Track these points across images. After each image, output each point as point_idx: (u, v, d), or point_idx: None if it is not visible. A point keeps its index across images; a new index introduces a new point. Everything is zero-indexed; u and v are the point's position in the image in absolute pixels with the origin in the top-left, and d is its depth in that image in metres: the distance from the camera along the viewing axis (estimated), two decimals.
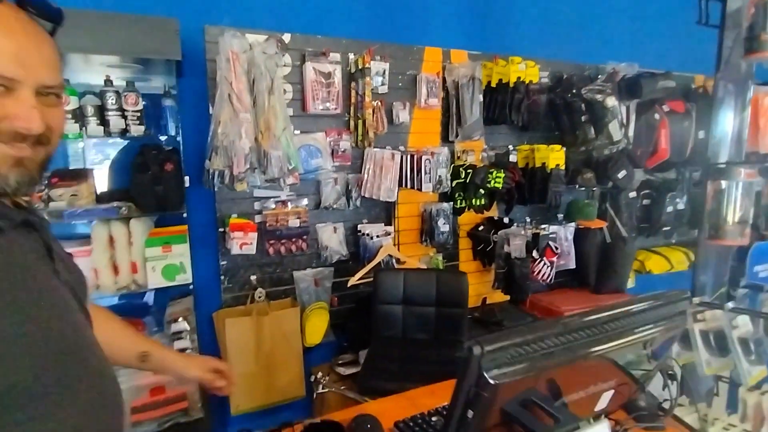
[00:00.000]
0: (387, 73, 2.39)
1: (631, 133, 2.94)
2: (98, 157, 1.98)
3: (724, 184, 1.00)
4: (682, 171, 3.38)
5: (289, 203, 2.27)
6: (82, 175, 1.81)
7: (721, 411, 1.14)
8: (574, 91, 2.70)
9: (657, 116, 3.03)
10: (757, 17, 0.92)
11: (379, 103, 2.35)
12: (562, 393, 0.70)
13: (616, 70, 2.80)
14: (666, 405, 1.08)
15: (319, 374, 2.22)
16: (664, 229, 3.19)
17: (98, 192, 1.80)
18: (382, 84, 2.38)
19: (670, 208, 3.16)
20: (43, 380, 0.55)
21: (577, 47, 3.04)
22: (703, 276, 1.13)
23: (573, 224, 2.82)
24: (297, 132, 2.18)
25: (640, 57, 2.96)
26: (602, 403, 0.79)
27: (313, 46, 2.23)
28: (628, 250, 2.98)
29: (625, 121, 2.80)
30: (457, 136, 2.53)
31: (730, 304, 1.01)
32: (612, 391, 0.79)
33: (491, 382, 0.59)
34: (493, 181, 2.40)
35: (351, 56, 2.31)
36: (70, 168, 1.86)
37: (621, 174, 2.84)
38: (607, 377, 0.76)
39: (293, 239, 2.29)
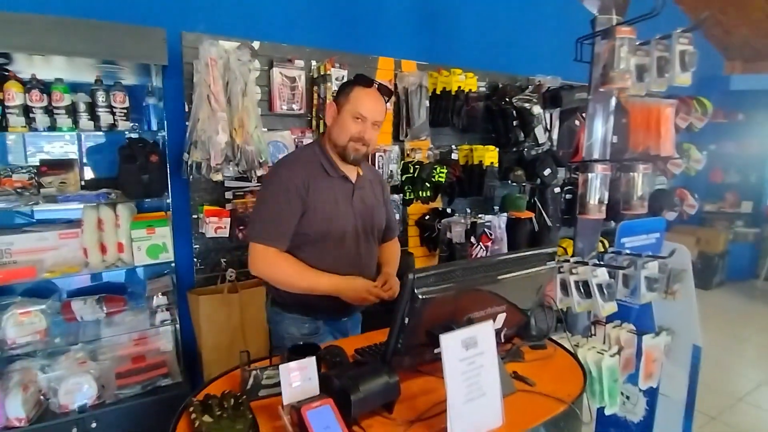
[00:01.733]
0: (345, 78, 2.70)
1: (555, 136, 3.41)
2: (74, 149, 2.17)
3: (589, 175, 1.40)
4: (625, 164, 3.91)
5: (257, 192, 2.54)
6: (68, 164, 2.01)
7: (594, 342, 1.56)
8: (507, 99, 3.13)
9: (577, 122, 3.52)
10: (609, 59, 1.32)
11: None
12: (470, 310, 1.06)
13: (541, 83, 3.27)
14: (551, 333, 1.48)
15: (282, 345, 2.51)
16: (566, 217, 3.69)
17: (84, 180, 2.01)
18: None
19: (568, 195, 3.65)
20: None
21: (511, 61, 3.49)
22: (580, 243, 1.54)
23: (505, 215, 3.26)
24: (265, 129, 2.46)
25: (562, 71, 3.44)
26: (498, 322, 1.16)
27: (280, 53, 2.50)
28: (552, 238, 3.46)
29: (549, 126, 3.26)
30: (406, 135, 2.88)
31: (592, 261, 1.41)
32: (504, 315, 1.16)
33: (420, 296, 0.94)
34: (437, 176, 2.78)
35: (314, 63, 2.60)
36: (58, 158, 2.04)
37: (546, 171, 3.31)
38: (500, 304, 1.13)
39: None
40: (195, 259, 2.46)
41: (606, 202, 1.47)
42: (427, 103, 2.87)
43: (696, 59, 1.37)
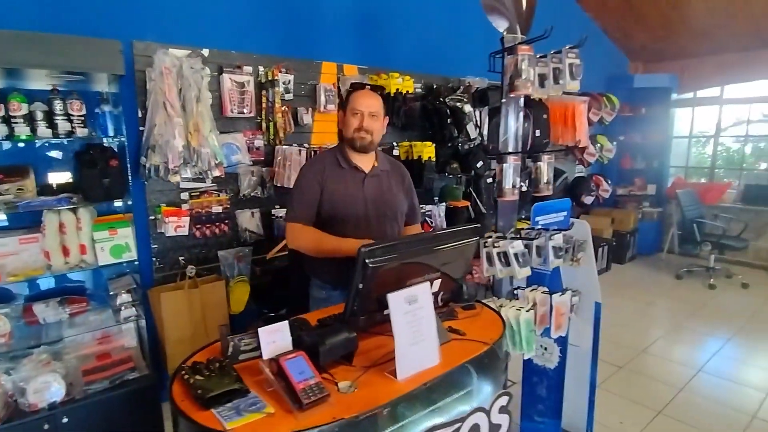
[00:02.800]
0: (292, 83, 2.89)
1: (485, 132, 3.78)
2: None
3: (504, 165, 1.72)
4: (534, 155, 4.35)
5: (213, 193, 2.68)
6: (24, 171, 2.06)
7: (515, 302, 1.88)
8: (441, 99, 3.45)
9: None
10: (514, 71, 1.63)
11: (287, 108, 2.85)
12: (411, 277, 1.32)
13: (471, 83, 3.62)
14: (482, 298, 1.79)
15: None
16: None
17: (40, 185, 2.07)
18: (288, 92, 2.88)
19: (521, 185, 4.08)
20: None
21: (443, 64, 3.82)
22: (501, 221, 1.86)
23: (444, 204, 3.59)
24: (218, 132, 2.61)
25: (489, 73, 3.81)
26: (435, 286, 1.44)
27: (229, 60, 2.65)
28: (487, 223, 3.84)
29: (479, 123, 3.62)
30: None
31: (510, 234, 1.73)
32: (439, 281, 1.43)
33: (370, 265, 1.18)
34: None
35: (261, 69, 2.77)
36: (13, 165, 2.08)
37: (479, 164, 3.67)
38: (435, 271, 1.40)
39: (217, 224, 2.71)
40: (154, 258, 2.56)
41: (518, 187, 1.79)
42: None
43: (582, 70, 1.71)
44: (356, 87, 1.82)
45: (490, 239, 1.73)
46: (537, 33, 1.86)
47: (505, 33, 1.65)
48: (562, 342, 2.06)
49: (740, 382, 2.92)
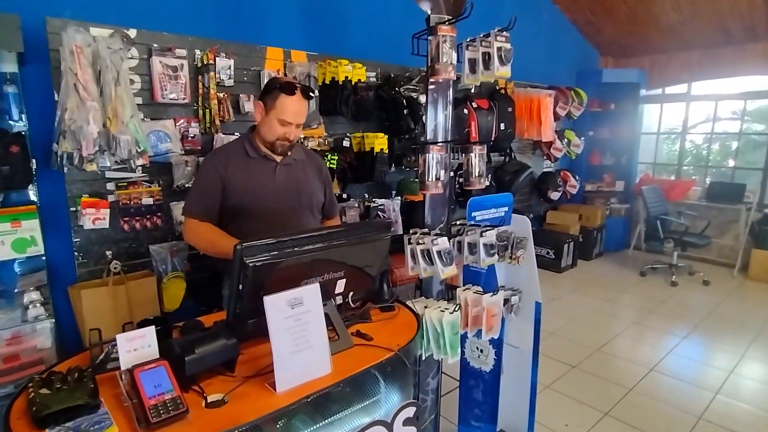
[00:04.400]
0: (233, 68, 2.72)
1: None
2: None
3: (426, 156, 1.60)
4: (464, 146, 4.27)
5: (142, 184, 2.51)
6: None
7: (442, 303, 1.77)
8: (397, 88, 3.32)
9: (465, 111, 3.83)
10: (435, 53, 1.51)
11: (225, 95, 2.68)
12: (305, 276, 1.19)
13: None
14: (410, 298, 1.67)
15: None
16: (459, 199, 4.01)
17: None
18: (229, 78, 2.72)
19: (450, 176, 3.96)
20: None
21: (402, 52, 3.66)
22: (428, 216, 1.75)
23: (400, 198, 3.47)
24: (147, 119, 2.44)
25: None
26: (339, 288, 1.31)
27: (159, 42, 2.47)
28: (448, 218, 3.74)
29: None
30: None
31: (435, 231, 1.62)
32: (344, 280, 1.31)
33: (249, 264, 1.05)
34: (328, 163, 2.90)
35: (197, 52, 2.60)
36: None
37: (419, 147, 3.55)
38: (337, 270, 1.28)
39: (148, 216, 2.54)
40: (76, 253, 2.39)
41: (442, 179, 1.68)
42: (317, 92, 2.98)
43: (512, 55, 1.60)
44: (286, 89, 1.62)
45: (414, 236, 1.62)
46: (482, 21, 1.75)
47: (430, 13, 1.53)
48: (498, 344, 1.97)
49: (691, 382, 2.88)
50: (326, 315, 1.18)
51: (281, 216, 1.68)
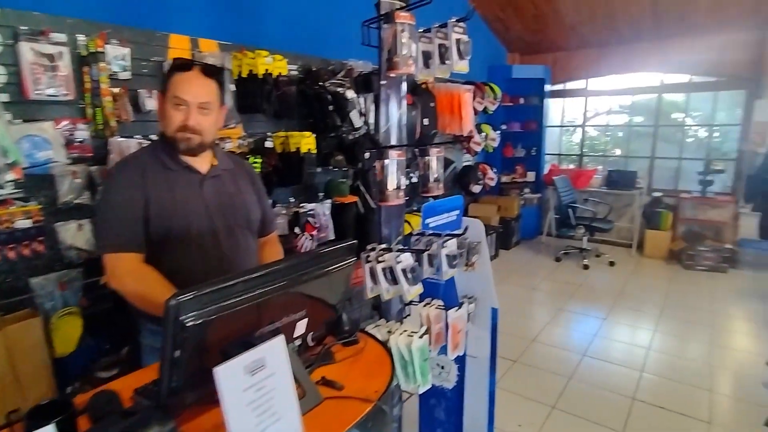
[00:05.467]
0: (129, 58, 2.29)
1: (371, 120, 3.49)
2: None
3: (385, 162, 1.42)
4: (414, 151, 4.18)
5: (15, 203, 2.00)
6: None
7: (411, 325, 1.60)
8: (321, 83, 3.07)
9: None
10: (393, 44, 1.33)
11: (121, 90, 2.24)
12: (260, 324, 0.94)
13: (353, 67, 3.29)
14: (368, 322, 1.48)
15: (76, 384, 2.08)
16: (406, 198, 3.91)
17: None
18: (125, 70, 2.28)
19: (407, 182, 3.89)
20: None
21: (324, 44, 3.43)
22: (385, 229, 1.57)
23: (329, 201, 3.24)
24: (18, 121, 1.94)
25: (372, 56, 3.52)
26: (300, 328, 1.08)
27: (28, 23, 1.97)
28: (378, 219, 3.58)
29: (364, 110, 3.32)
30: None
31: (396, 246, 1.45)
32: (306, 320, 1.08)
33: (187, 324, 0.78)
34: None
35: (81, 38, 2.13)
36: None
37: (366, 155, 3.37)
38: (298, 310, 1.04)
39: (25, 242, 2.04)
40: None
41: (403, 187, 1.50)
42: (233, 87, 2.63)
43: (471, 47, 1.47)
44: (179, 65, 1.34)
45: (373, 252, 1.42)
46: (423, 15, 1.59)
47: None
48: (460, 358, 1.85)
49: (619, 363, 3.05)
50: None
51: (215, 240, 1.38)
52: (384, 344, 1.31)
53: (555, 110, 6.69)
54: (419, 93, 4.34)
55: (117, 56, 2.25)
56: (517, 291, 4.41)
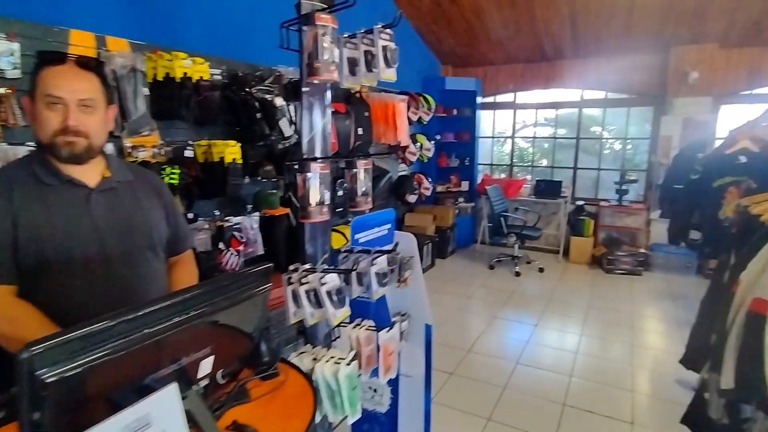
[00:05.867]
0: (18, 55, 2.01)
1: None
2: None
3: (307, 175, 1.32)
4: (348, 161, 4.10)
5: None
6: None
7: (339, 350, 1.50)
8: (248, 89, 2.90)
9: None
10: (313, 49, 1.24)
11: (9, 90, 1.96)
12: (149, 370, 0.80)
13: (282, 73, 3.15)
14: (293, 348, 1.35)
15: None
16: (338, 210, 3.81)
17: None
18: (14, 68, 2.00)
19: (340, 192, 3.78)
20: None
21: (251, 48, 3.26)
22: (310, 248, 1.46)
23: (258, 214, 3.06)
24: None
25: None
26: (204, 369, 0.94)
27: None
28: (301, 238, 3.44)
29: (294, 118, 3.18)
30: (123, 130, 2.36)
31: (321, 266, 1.35)
32: (212, 357, 0.94)
33: (46, 380, 0.63)
34: (167, 177, 2.36)
35: None
36: None
37: (297, 165, 3.23)
38: (200, 346, 0.91)
39: None
40: None
41: (328, 202, 1.41)
42: (147, 91, 2.40)
43: (398, 55, 1.41)
44: (49, 58, 1.13)
45: (295, 274, 1.30)
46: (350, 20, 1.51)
47: None
48: (394, 380, 1.77)
49: (549, 369, 3.12)
50: (187, 412, 0.81)
51: (106, 266, 1.18)
52: (307, 375, 1.19)
53: (486, 121, 6.92)
54: (353, 102, 4.29)
55: (4, 52, 1.97)
56: (453, 300, 4.44)
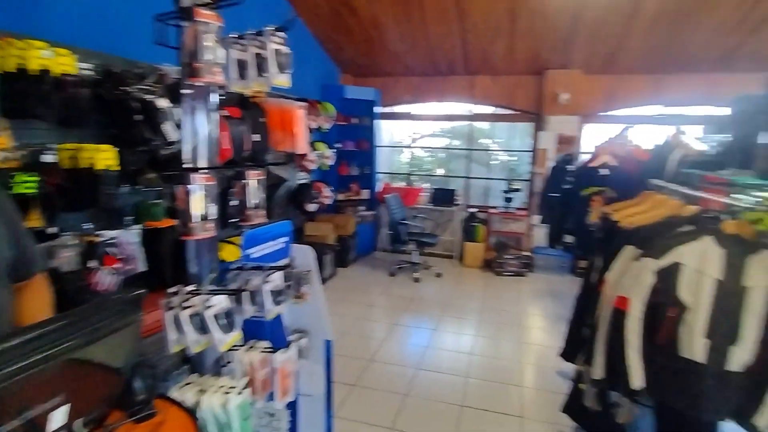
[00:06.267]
0: None
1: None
2: None
3: (189, 188, 1.20)
4: (237, 171, 3.89)
5: None
6: None
7: (231, 377, 1.37)
8: (124, 88, 2.60)
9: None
10: (193, 47, 1.13)
11: None
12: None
13: (166, 72, 2.89)
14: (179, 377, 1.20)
15: None
16: (231, 220, 3.58)
17: None
18: None
19: (233, 202, 3.57)
20: None
21: (129, 43, 2.93)
22: (193, 267, 1.32)
23: (138, 226, 2.75)
24: None
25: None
26: (56, 421, 0.78)
27: None
28: (183, 257, 3.18)
29: (180, 122, 2.93)
30: None
31: (207, 288, 1.23)
32: (65, 406, 0.78)
33: None
34: (19, 187, 2.01)
35: None
36: None
37: (175, 176, 2.97)
38: (52, 394, 0.75)
39: None
40: None
41: (214, 216, 1.29)
42: None
43: (291, 60, 1.35)
44: None
45: (175, 297, 1.17)
46: (239, 19, 1.40)
47: None
48: (292, 403, 1.68)
49: (447, 372, 3.24)
50: None
51: None
52: (190, 411, 1.07)
53: (386, 131, 7.07)
54: (248, 107, 4.09)
55: None
56: (354, 309, 4.42)
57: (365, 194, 6.53)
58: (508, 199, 6.11)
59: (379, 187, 6.76)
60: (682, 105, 5.72)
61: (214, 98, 1.30)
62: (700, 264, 1.63)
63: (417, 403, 2.82)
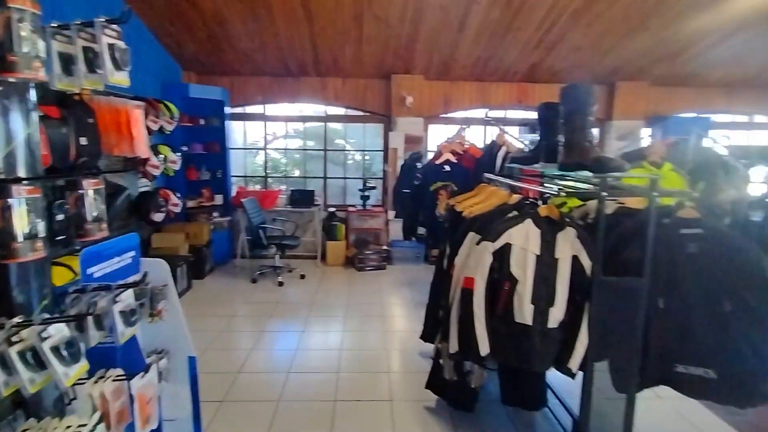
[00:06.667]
0: None
1: None
2: None
3: (9, 201, 1.02)
4: (69, 180, 3.36)
5: None
6: None
7: (80, 415, 1.20)
8: None
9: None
10: (6, 37, 0.96)
11: None
12: None
13: None
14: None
15: None
16: (59, 238, 3.08)
17: None
18: None
19: (60, 216, 3.06)
20: None
21: None
22: (20, 295, 1.13)
23: None
24: None
25: None
26: None
27: None
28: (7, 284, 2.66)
29: None
30: None
31: (41, 316, 1.06)
32: None
33: None
34: None
35: None
36: None
37: None
38: None
39: None
40: None
41: (42, 234, 1.11)
42: None
43: (129, 57, 1.23)
44: None
45: (0, 331, 0.98)
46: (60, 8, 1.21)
47: None
48: (155, 430, 1.53)
49: (319, 371, 3.27)
50: None
51: None
52: None
53: (238, 132, 6.76)
54: (70, 105, 3.53)
55: None
56: (216, 322, 4.17)
57: (219, 199, 6.17)
58: (365, 197, 6.38)
59: (233, 191, 6.45)
60: (502, 109, 6.68)
61: (33, 96, 1.12)
62: (524, 243, 1.95)
63: (290, 406, 2.80)
